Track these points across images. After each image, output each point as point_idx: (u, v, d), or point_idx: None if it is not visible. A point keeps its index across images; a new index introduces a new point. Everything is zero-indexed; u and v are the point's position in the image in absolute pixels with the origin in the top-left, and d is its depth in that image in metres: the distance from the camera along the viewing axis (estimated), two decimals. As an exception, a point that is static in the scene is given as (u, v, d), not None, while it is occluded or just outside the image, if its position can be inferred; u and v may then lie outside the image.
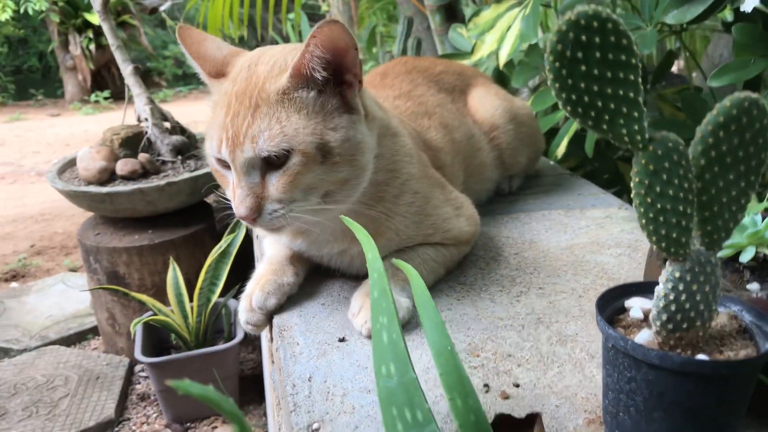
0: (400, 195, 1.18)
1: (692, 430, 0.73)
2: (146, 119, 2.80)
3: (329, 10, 7.37)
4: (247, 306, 1.16)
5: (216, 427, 2.42)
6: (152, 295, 2.51)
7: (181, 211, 2.70)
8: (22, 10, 8.14)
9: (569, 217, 1.56)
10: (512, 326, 1.09)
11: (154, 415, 2.49)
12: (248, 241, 2.38)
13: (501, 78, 2.44)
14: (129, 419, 2.45)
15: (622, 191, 2.20)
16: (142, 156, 2.68)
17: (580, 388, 0.92)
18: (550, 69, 0.67)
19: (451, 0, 2.90)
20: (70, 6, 8.42)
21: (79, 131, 7.04)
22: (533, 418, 0.83)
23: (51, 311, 3.08)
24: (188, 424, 2.43)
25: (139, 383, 2.66)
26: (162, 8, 8.13)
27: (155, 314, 2.32)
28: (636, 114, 0.69)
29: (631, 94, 0.68)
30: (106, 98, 8.93)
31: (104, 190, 2.49)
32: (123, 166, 2.62)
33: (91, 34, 8.45)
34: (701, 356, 0.72)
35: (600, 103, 0.68)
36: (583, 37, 0.66)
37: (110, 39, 2.86)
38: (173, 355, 2.32)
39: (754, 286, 0.93)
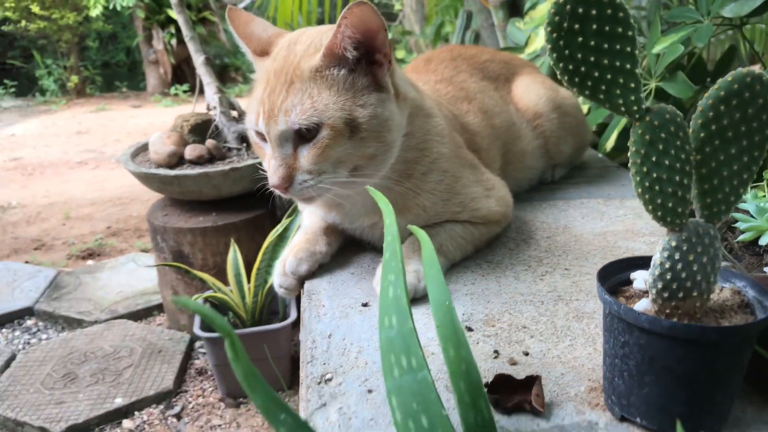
0: (429, 173, 1.23)
1: (683, 396, 0.75)
2: (215, 107, 2.94)
3: (402, 9, 7.45)
4: (280, 271, 1.23)
5: (267, 404, 2.51)
6: (213, 274, 2.63)
7: (243, 196, 2.80)
8: (111, 6, 8.58)
9: (608, 206, 1.57)
10: (532, 302, 1.12)
11: (210, 389, 2.60)
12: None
13: (555, 72, 2.44)
14: (186, 391, 2.56)
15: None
16: (210, 142, 2.81)
17: (588, 360, 0.94)
18: (547, 40, 0.70)
19: (514, -4, 2.92)
20: (154, 2, 8.82)
21: (157, 122, 7.37)
22: (532, 380, 0.87)
23: (121, 288, 3.25)
24: (241, 399, 2.52)
25: (198, 358, 2.78)
26: (241, 5, 8.38)
27: (215, 292, 2.44)
28: (632, 85, 0.72)
29: (628, 66, 0.71)
30: (185, 91, 9.29)
31: (172, 172, 2.63)
32: (191, 151, 2.75)
33: (173, 30, 8.82)
34: (693, 323, 0.74)
35: (597, 74, 0.71)
36: (580, 9, 0.69)
37: (184, 30, 3.01)
38: (229, 332, 2.43)
39: (772, 269, 0.93)
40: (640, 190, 0.74)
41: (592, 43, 0.70)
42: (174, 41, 8.81)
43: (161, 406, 2.42)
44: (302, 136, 1.07)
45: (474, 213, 1.28)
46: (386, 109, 1.10)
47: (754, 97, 0.72)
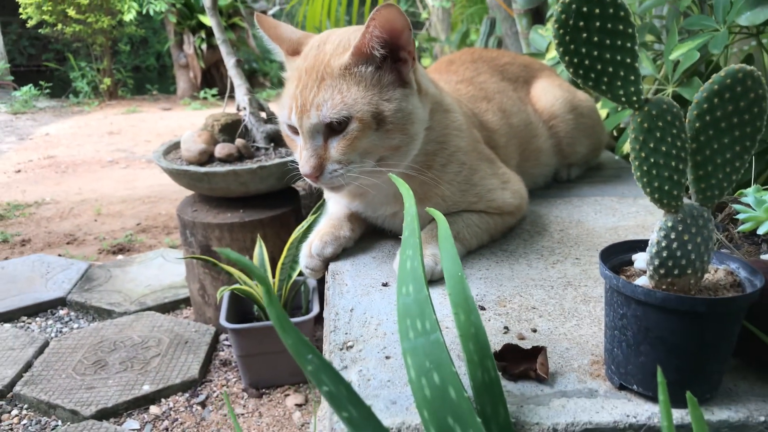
0: (448, 164, 1.31)
1: (675, 364, 0.81)
2: (244, 108, 3.04)
3: (429, 17, 7.54)
4: (307, 252, 1.32)
5: (288, 395, 2.59)
6: (239, 269, 2.72)
7: (270, 194, 2.89)
8: (144, 11, 8.79)
9: (621, 204, 1.63)
10: (542, 286, 1.19)
11: (234, 380, 2.68)
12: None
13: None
14: (211, 381, 2.65)
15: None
16: (239, 141, 2.91)
17: (592, 338, 1.01)
18: (555, 35, 0.78)
19: (538, 4, 2.98)
20: (186, 8, 9.03)
21: (186, 124, 7.54)
22: (538, 350, 0.94)
23: (150, 281, 3.36)
24: (263, 390, 2.60)
25: (223, 350, 2.87)
26: (270, 12, 8.52)
27: (241, 285, 2.53)
28: (632, 77, 0.79)
29: (628, 60, 0.78)
30: (213, 95, 9.47)
31: (202, 169, 2.72)
32: (221, 150, 2.85)
33: (203, 35, 9.02)
34: (685, 297, 0.81)
35: (599, 67, 0.79)
36: (585, 8, 0.76)
37: (217, 34, 3.12)
38: (253, 324, 2.52)
39: (767, 257, 0.99)
40: (638, 173, 0.81)
41: (596, 38, 0.77)
42: (204, 46, 9.00)
43: (187, 394, 2.50)
44: (332, 128, 1.16)
45: (490, 204, 1.36)
46: (410, 103, 1.19)
47: (746, 92, 0.79)
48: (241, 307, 2.72)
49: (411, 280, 0.81)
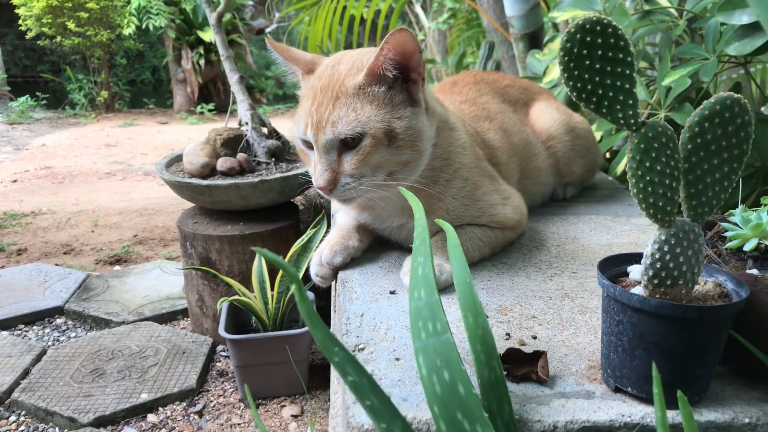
0: (452, 180, 1.38)
1: (667, 368, 0.88)
2: (246, 123, 3.10)
3: (425, 39, 7.66)
4: (317, 261, 1.38)
5: (284, 406, 2.62)
6: (238, 281, 2.76)
7: (271, 207, 2.94)
8: (143, 26, 8.88)
9: (615, 222, 1.71)
10: (541, 297, 1.25)
11: (230, 390, 2.71)
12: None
13: (573, 102, 2.59)
14: (208, 391, 2.68)
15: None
16: (240, 155, 2.97)
17: (589, 345, 1.08)
18: (560, 63, 0.85)
19: (534, 30, 3.07)
20: (185, 24, 9.13)
21: (183, 138, 7.61)
22: (539, 355, 1.00)
23: (147, 292, 3.40)
24: (260, 401, 2.64)
25: (220, 361, 2.90)
26: (268, 30, 8.62)
27: (240, 297, 2.57)
28: (630, 102, 0.86)
29: (627, 85, 0.86)
30: (210, 110, 9.54)
31: (205, 182, 2.78)
32: (223, 163, 2.91)
33: (201, 50, 9.12)
34: (677, 305, 0.87)
35: (600, 91, 0.86)
36: (588, 38, 0.84)
37: (221, 50, 3.19)
38: (252, 335, 2.56)
39: (753, 272, 1.06)
40: (635, 190, 0.87)
41: (598, 66, 0.84)
42: (202, 61, 9.09)
43: (184, 404, 2.53)
44: (346, 144, 1.23)
45: (492, 218, 1.43)
46: (419, 121, 1.26)
47: (733, 117, 0.87)
48: (240, 319, 2.76)
49: (423, 285, 0.87)
